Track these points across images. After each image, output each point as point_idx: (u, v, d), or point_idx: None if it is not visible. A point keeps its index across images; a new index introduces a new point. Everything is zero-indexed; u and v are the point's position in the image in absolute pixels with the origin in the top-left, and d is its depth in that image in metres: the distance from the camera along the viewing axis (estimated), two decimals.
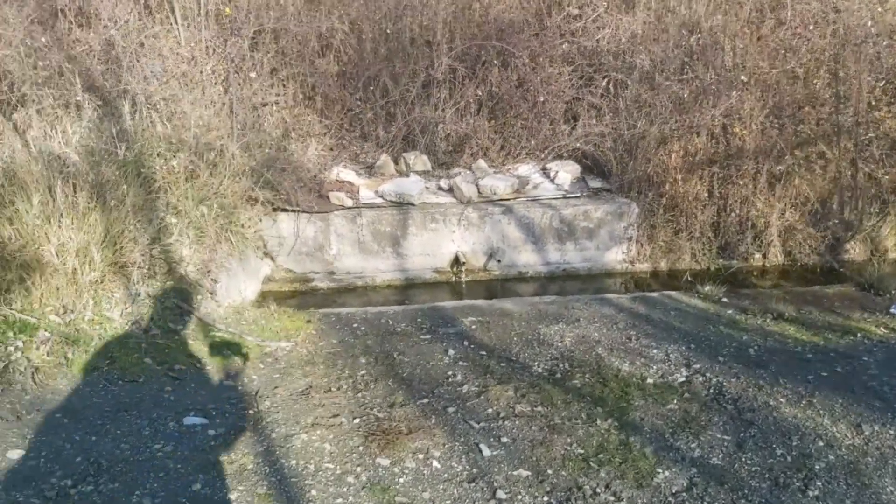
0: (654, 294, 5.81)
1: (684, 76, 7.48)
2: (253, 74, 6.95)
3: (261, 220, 6.12)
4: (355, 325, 5.11)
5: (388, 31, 7.81)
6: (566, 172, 7.01)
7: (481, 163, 7.34)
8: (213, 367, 4.17)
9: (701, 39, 7.76)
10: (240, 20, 7.22)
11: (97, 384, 3.69)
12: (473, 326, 5.08)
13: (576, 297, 5.73)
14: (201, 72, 6.75)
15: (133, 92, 5.77)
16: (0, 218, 4.04)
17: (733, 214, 6.62)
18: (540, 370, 4.31)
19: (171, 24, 7.00)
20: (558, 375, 4.22)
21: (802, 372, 4.25)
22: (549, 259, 6.58)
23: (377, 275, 6.38)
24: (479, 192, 6.72)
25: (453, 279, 6.38)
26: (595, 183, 6.98)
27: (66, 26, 6.61)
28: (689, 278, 6.31)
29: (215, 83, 6.80)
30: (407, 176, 7.07)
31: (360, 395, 3.93)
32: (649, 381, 4.13)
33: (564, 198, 6.65)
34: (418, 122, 7.58)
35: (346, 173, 6.81)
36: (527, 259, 6.55)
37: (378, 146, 7.69)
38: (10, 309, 3.75)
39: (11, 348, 3.55)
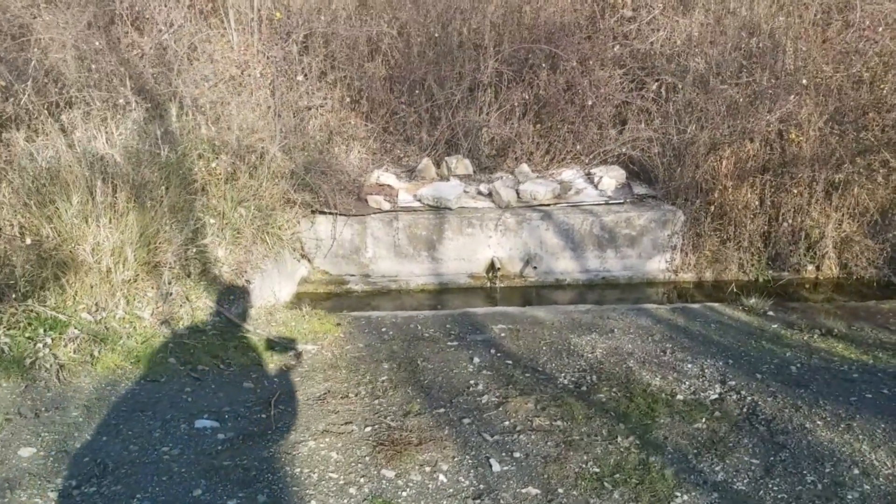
0: (696, 305, 5.59)
1: (740, 80, 7.20)
2: (300, 78, 7.04)
3: (299, 223, 6.19)
4: (384, 330, 5.10)
5: (437, 35, 7.78)
6: (610, 178, 6.83)
7: (524, 167, 7.23)
8: (235, 369, 4.22)
9: (761, 42, 7.47)
10: (290, 24, 7.33)
11: (119, 383, 3.79)
12: (503, 334, 4.99)
13: (612, 306, 5.57)
14: (249, 75, 6.87)
15: (180, 94, 5.91)
16: (40, 217, 4.19)
17: (785, 224, 6.32)
18: (566, 382, 4.20)
19: (225, 29, 7.16)
20: (584, 388, 4.10)
21: (845, 393, 4.00)
22: (588, 267, 6.43)
23: (412, 279, 6.36)
24: (518, 197, 6.62)
25: (488, 285, 6.30)
26: (640, 189, 6.78)
27: (123, 30, 6.85)
28: (735, 290, 6.05)
29: (263, 87, 6.92)
30: (447, 180, 7.04)
31: (376, 401, 3.91)
32: (679, 397, 3.96)
33: (607, 204, 6.48)
34: (462, 126, 7.52)
35: (387, 177, 6.82)
36: (565, 266, 6.42)
37: (421, 150, 7.67)
38: (43, 306, 3.89)
39: (40, 345, 3.68)
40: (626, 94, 7.47)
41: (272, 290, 5.60)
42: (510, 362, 4.50)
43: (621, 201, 6.50)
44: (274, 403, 3.82)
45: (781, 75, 7.10)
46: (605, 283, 6.40)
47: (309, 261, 6.37)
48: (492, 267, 6.30)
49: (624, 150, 7.17)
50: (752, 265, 6.37)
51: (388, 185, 6.80)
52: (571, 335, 4.96)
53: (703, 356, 4.58)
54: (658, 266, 6.47)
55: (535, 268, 6.31)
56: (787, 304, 5.65)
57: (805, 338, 4.90)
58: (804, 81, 6.82)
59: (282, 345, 4.63)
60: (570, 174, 7.25)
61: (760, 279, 6.33)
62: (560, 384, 4.16)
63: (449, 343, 4.83)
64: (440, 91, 7.59)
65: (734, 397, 3.95)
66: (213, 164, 5.28)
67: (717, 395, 3.98)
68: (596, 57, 7.71)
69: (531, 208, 6.42)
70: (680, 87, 7.36)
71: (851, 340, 4.83)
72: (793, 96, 6.40)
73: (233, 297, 5.08)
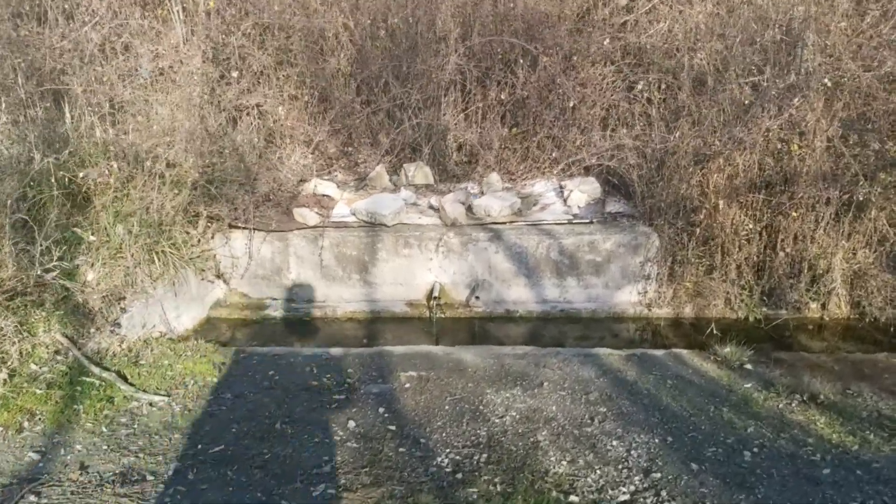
0: (658, 353, 4.61)
1: (747, 79, 6.14)
2: (235, 74, 6.29)
3: (212, 238, 5.44)
4: (271, 374, 4.30)
5: (397, 25, 6.94)
6: (582, 192, 5.87)
7: (493, 177, 6.33)
8: (38, 428, 3.49)
9: (779, 35, 6.38)
10: (228, 15, 6.59)
11: None
12: (407, 385, 4.14)
13: (556, 350, 4.63)
14: (178, 71, 6.16)
15: (78, 93, 5.23)
16: None
17: (783, 253, 5.25)
18: (443, 464, 3.31)
19: (168, 21, 6.47)
20: (460, 475, 3.22)
21: (803, 500, 3.00)
22: (546, 296, 5.49)
23: (340, 305, 5.54)
24: (472, 213, 5.73)
25: (428, 315, 5.42)
26: (615, 206, 5.80)
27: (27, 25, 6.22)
28: (717, 331, 5.04)
29: (197, 84, 6.19)
30: (398, 190, 6.19)
31: (175, 489, 3.10)
32: (573, 498, 3.03)
33: (570, 223, 5.53)
34: (423, 129, 6.66)
35: (326, 186, 6.01)
36: (517, 295, 5.50)
37: (381, 155, 6.84)
38: None
39: None
40: (614, 94, 6.48)
41: (163, 318, 4.86)
42: (393, 428, 3.64)
43: (587, 221, 5.54)
44: (22, 490, 3.04)
45: (801, 74, 6.02)
46: (565, 317, 5.45)
47: (225, 282, 5.62)
48: (433, 294, 5.42)
49: (595, 160, 6.18)
50: (742, 301, 5.32)
51: (327, 196, 6.00)
52: (489, 389, 4.06)
53: (639, 429, 3.63)
54: (628, 298, 5.48)
55: (477, 297, 5.41)
56: (774, 354, 4.61)
57: (780, 405, 3.88)
58: (827, 81, 5.72)
59: (127, 394, 3.87)
60: (542, 186, 6.33)
61: (751, 318, 5.28)
62: (433, 468, 3.28)
63: (335, 397, 4.00)
64: (400, 88, 6.74)
65: (649, 501, 3.00)
66: (81, 175, 4.56)
67: (627, 497, 3.04)
68: (581, 52, 6.75)
69: (482, 227, 5.51)
70: (673, 86, 6.34)
71: (840, 412, 3.80)
72: (797, 99, 5.31)
73: (95, 330, 4.35)
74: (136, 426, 3.59)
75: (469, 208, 5.78)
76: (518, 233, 5.41)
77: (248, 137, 6.08)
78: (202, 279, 5.36)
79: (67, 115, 5.14)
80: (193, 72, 6.09)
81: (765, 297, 5.36)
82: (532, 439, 3.51)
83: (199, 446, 3.43)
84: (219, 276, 5.57)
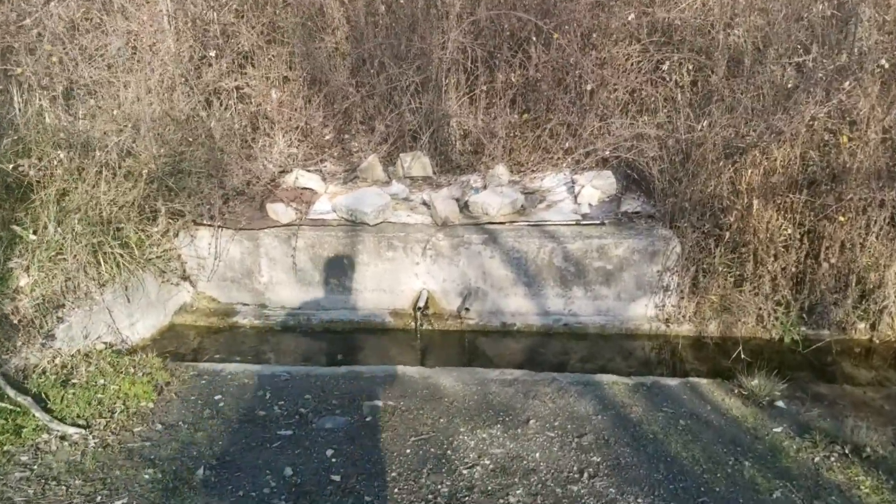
0: (672, 382, 3.91)
1: (790, 59, 5.34)
2: (212, 53, 5.71)
3: (176, 236, 4.89)
4: (217, 398, 3.75)
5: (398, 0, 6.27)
6: (594, 188, 5.16)
7: (499, 168, 5.66)
8: None
9: (829, 9, 5.55)
10: None
11: None
12: (369, 418, 3.53)
13: (550, 377, 3.96)
14: (150, 50, 5.61)
15: (26, 74, 4.71)
16: None
17: (828, 264, 4.47)
18: None
19: None
20: None
21: None
22: (548, 308, 4.81)
23: (317, 313, 4.95)
24: (468, 211, 5.07)
25: (413, 326, 4.80)
26: (631, 205, 5.07)
27: None
28: (744, 355, 4.30)
29: (175, 63, 5.63)
30: (390, 183, 5.56)
31: None
32: None
33: (578, 224, 4.83)
34: (422, 114, 5.99)
35: (308, 178, 5.41)
36: (516, 306, 4.83)
37: (377, 143, 6.21)
38: None
39: None
40: (637, 77, 5.71)
41: (111, 328, 4.34)
42: (336, 479, 3.04)
43: (598, 222, 4.82)
44: None
45: (854, 53, 5.21)
46: (569, 332, 4.76)
47: (192, 284, 5.07)
48: (417, 303, 4.78)
49: (621, 151, 5.44)
50: (777, 319, 4.56)
51: (309, 190, 5.40)
52: (464, 427, 3.43)
53: (637, 490, 2.96)
54: (643, 312, 4.77)
55: (467, 309, 4.76)
56: (812, 388, 3.88)
57: (817, 459, 3.17)
58: (884, 62, 4.89)
59: (40, 424, 3.33)
60: (552, 180, 5.63)
61: (786, 339, 4.53)
62: None
63: (280, 433, 3.41)
64: (397, 69, 6.07)
65: None
66: (12, 166, 4.03)
67: None
68: (602, 29, 5.99)
69: (477, 227, 4.85)
70: (704, 68, 5.56)
71: (890, 471, 3.06)
72: (848, 83, 4.50)
73: (26, 343, 3.83)
74: (35, 467, 3.05)
75: (466, 205, 5.12)
76: (518, 235, 4.73)
77: (227, 124, 5.49)
78: (164, 282, 4.82)
79: (16, 98, 4.61)
80: (166, 51, 5.52)
81: (804, 315, 4.60)
82: (502, 502, 2.87)
83: (98, 499, 2.87)
84: (185, 278, 5.02)
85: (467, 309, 4.75)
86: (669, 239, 4.63)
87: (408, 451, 3.25)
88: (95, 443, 3.26)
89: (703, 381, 3.94)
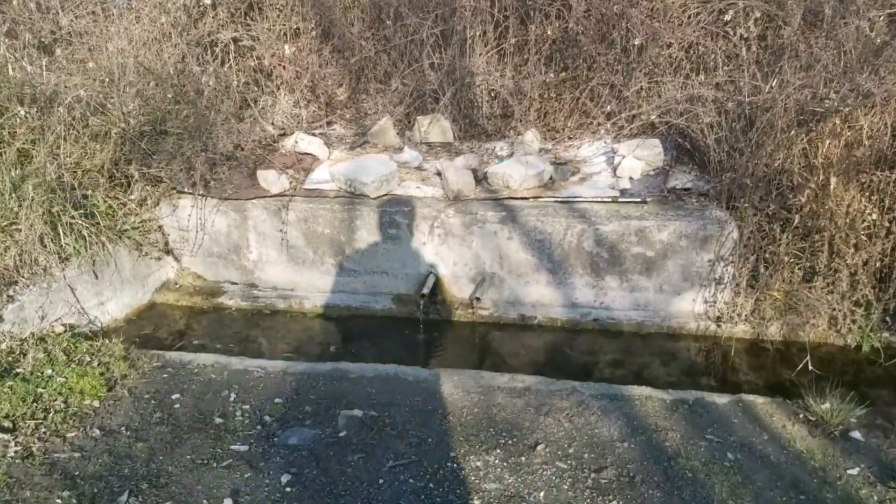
0: (721, 400, 3.18)
1: (881, 10, 4.42)
2: (208, 1, 5.09)
3: (156, 206, 4.34)
4: (175, 398, 3.20)
5: None
6: (637, 159, 4.39)
7: (529, 135, 4.94)
8: None
9: None
10: None
11: None
12: (343, 433, 2.93)
13: (569, 386, 3.28)
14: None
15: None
16: None
17: None
18: None
19: None
20: None
21: None
22: (575, 299, 4.11)
23: (310, 295, 4.36)
24: (486, 183, 4.38)
25: (419, 315, 4.16)
26: (681, 180, 4.29)
27: None
28: (812, 365, 3.53)
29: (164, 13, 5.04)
30: (402, 149, 4.90)
31: None
32: None
33: (615, 202, 4.08)
34: (444, 72, 5.28)
35: (310, 142, 4.78)
36: (537, 296, 4.14)
37: (393, 104, 5.53)
38: None
39: None
40: (695, 30, 4.86)
41: (76, 308, 3.83)
42: None
43: (639, 199, 4.06)
44: None
45: None
46: (599, 329, 4.05)
47: (176, 259, 4.54)
48: (428, 289, 4.13)
49: (672, 116, 4.63)
50: (855, 322, 3.76)
51: (310, 155, 4.78)
52: (456, 450, 2.80)
53: None
54: (690, 308, 4.02)
55: (478, 298, 4.08)
56: None
57: None
58: None
59: None
60: (589, 149, 4.88)
61: (865, 347, 3.73)
62: None
63: (233, 448, 2.84)
64: (415, 18, 5.35)
65: None
66: None
67: None
68: None
69: (495, 202, 4.16)
70: (776, 19, 4.67)
71: None
72: None
73: None
74: None
75: (485, 177, 4.42)
76: (542, 212, 4.02)
77: (223, 80, 4.89)
78: (141, 256, 4.29)
79: None
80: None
81: (888, 319, 3.78)
82: None
83: None
84: (167, 252, 4.49)
85: (478, 298, 4.08)
86: (725, 222, 3.84)
87: (381, 480, 2.63)
88: (16, 451, 2.75)
89: (760, 399, 3.20)
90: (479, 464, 2.73)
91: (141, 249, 4.28)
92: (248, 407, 3.14)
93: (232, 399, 3.20)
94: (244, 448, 2.83)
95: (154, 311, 4.39)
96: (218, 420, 3.03)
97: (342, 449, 2.82)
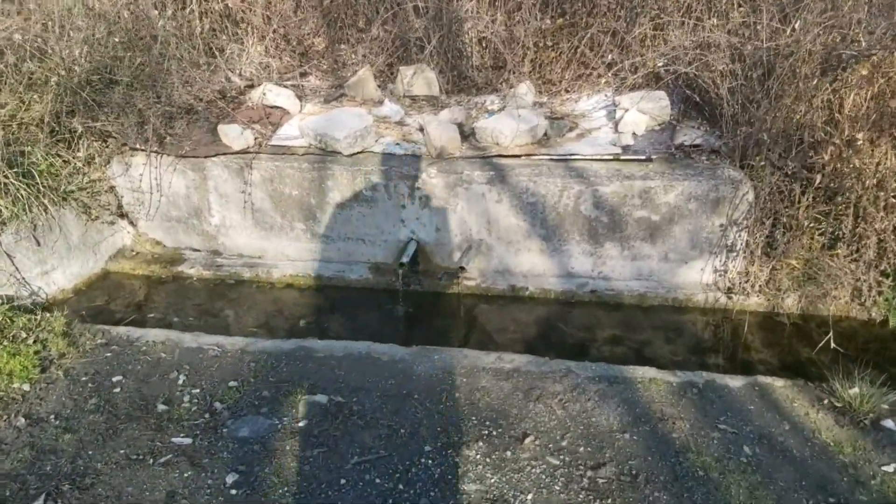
0: (735, 382, 2.81)
1: None
2: None
3: (108, 164, 3.91)
4: (116, 380, 2.82)
5: None
6: (641, 113, 3.95)
7: (522, 87, 4.49)
8: None
9: None
10: None
11: None
12: (302, 423, 2.55)
13: (564, 367, 2.90)
14: None
15: None
16: None
17: None
18: None
19: None
20: None
21: None
22: (571, 269, 3.71)
23: (280, 263, 3.96)
24: (474, 140, 3.95)
25: (398, 286, 3.76)
26: (689, 136, 3.86)
27: None
28: (835, 343, 3.15)
29: None
30: (382, 102, 4.45)
31: None
32: None
33: (616, 159, 3.66)
34: (429, 17, 4.80)
35: (279, 94, 4.33)
36: (529, 265, 3.74)
37: (374, 54, 5.05)
38: None
39: None
40: None
41: (13, 277, 3.42)
42: None
43: (643, 157, 3.64)
44: None
45: None
46: (597, 301, 3.66)
47: (132, 223, 4.12)
48: (407, 258, 3.72)
49: (680, 64, 4.17)
50: (881, 294, 3.38)
51: (280, 109, 4.33)
52: (432, 443, 2.43)
53: None
54: (698, 278, 3.63)
55: (463, 268, 3.68)
56: None
57: None
58: None
59: None
60: (588, 103, 4.44)
61: (893, 321, 3.35)
62: None
63: (176, 440, 2.46)
64: None
65: None
66: None
67: None
68: None
69: (483, 161, 3.73)
70: None
71: None
72: None
73: None
74: None
75: (473, 133, 3.98)
76: (535, 172, 3.59)
77: (183, 25, 4.41)
78: (92, 220, 3.87)
79: None
80: None
81: None
82: None
83: None
84: (121, 215, 4.06)
85: (464, 268, 3.67)
86: (740, 182, 3.43)
87: (343, 480, 2.26)
88: None
89: (779, 382, 2.82)
90: (458, 460, 2.36)
91: (90, 213, 3.86)
92: (197, 391, 2.75)
93: (181, 382, 2.82)
94: (187, 441, 2.45)
95: (108, 281, 3.98)
96: (161, 407, 2.65)
97: (301, 442, 2.45)
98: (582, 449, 2.41)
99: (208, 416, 2.60)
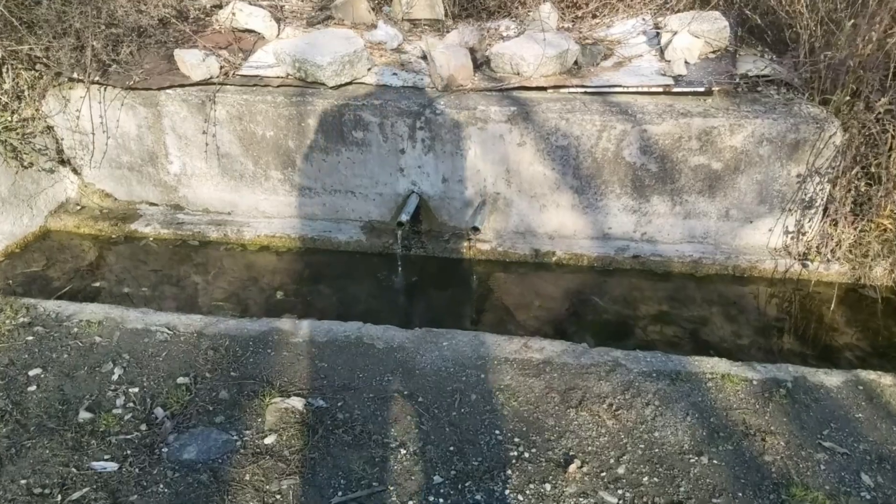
0: (831, 380, 2.17)
1: None
2: None
3: (42, 99, 3.18)
4: (32, 376, 2.21)
5: None
6: (694, 37, 3.20)
7: (546, 8, 3.75)
8: None
9: None
10: None
11: None
12: (269, 439, 1.93)
13: (610, 358, 2.25)
14: None
15: None
16: None
17: None
18: None
19: None
20: None
21: None
22: (609, 229, 3.03)
23: (254, 221, 3.28)
24: (488, 69, 3.22)
25: (396, 249, 3.09)
26: (755, 65, 3.13)
27: None
28: None
29: None
30: (375, 26, 3.69)
31: None
32: None
33: (667, 93, 2.94)
34: None
35: (249, 14, 3.57)
36: (557, 223, 3.06)
37: None
38: None
39: None
40: None
41: None
42: None
43: (701, 89, 2.92)
44: None
45: None
46: (640, 269, 3.00)
47: (75, 171, 3.41)
48: (408, 214, 3.03)
49: None
50: None
51: (253, 33, 3.58)
52: (445, 471, 1.78)
53: None
54: (765, 241, 2.96)
55: (475, 228, 2.99)
56: None
57: None
58: None
59: None
60: (624, 27, 3.69)
61: None
62: None
63: (97, 465, 1.83)
64: None
65: None
66: None
67: None
68: None
69: (501, 95, 3.01)
70: None
71: None
72: None
73: None
74: None
75: (487, 61, 3.25)
76: (566, 108, 2.88)
77: None
78: (24, 167, 3.17)
79: None
80: None
81: None
82: None
83: None
84: (62, 161, 3.36)
85: (477, 228, 2.98)
86: (823, 122, 2.72)
87: None
88: None
89: (887, 379, 2.19)
90: (478, 497, 1.72)
91: (21, 159, 3.16)
92: (135, 391, 2.11)
93: (115, 378, 2.17)
94: (112, 467, 1.81)
95: (47, 242, 3.31)
96: (84, 415, 2.00)
97: (266, 469, 1.81)
98: (647, 479, 1.78)
99: (145, 427, 1.96)
